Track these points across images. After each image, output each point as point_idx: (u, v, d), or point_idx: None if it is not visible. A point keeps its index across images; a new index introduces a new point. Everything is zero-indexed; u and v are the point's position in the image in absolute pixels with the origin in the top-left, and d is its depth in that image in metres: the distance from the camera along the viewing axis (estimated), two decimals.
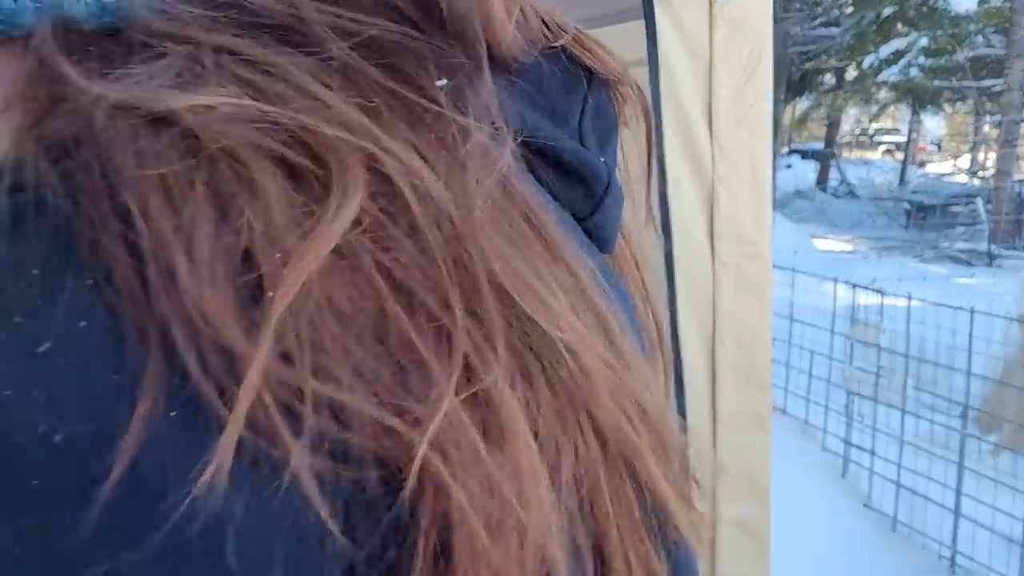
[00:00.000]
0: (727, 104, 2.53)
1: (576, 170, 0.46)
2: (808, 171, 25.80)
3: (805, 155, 28.42)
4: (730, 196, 2.54)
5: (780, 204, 20.47)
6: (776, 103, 20.16)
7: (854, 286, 4.61)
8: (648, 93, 2.57)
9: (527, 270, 0.33)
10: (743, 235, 2.56)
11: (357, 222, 0.30)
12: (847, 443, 4.74)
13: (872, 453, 4.55)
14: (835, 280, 4.69)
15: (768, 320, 2.62)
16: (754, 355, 2.60)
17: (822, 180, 23.89)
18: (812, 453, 4.88)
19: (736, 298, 2.56)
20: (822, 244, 15.15)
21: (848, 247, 15.45)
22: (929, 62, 17.34)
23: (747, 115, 2.54)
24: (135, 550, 0.24)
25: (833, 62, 20.94)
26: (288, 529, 0.26)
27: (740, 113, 2.53)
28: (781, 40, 20.15)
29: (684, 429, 0.51)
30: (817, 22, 20.67)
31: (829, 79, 23.51)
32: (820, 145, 26.89)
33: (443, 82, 0.35)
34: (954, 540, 4.01)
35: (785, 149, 27.35)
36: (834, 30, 20.23)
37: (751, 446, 2.69)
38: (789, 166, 25.65)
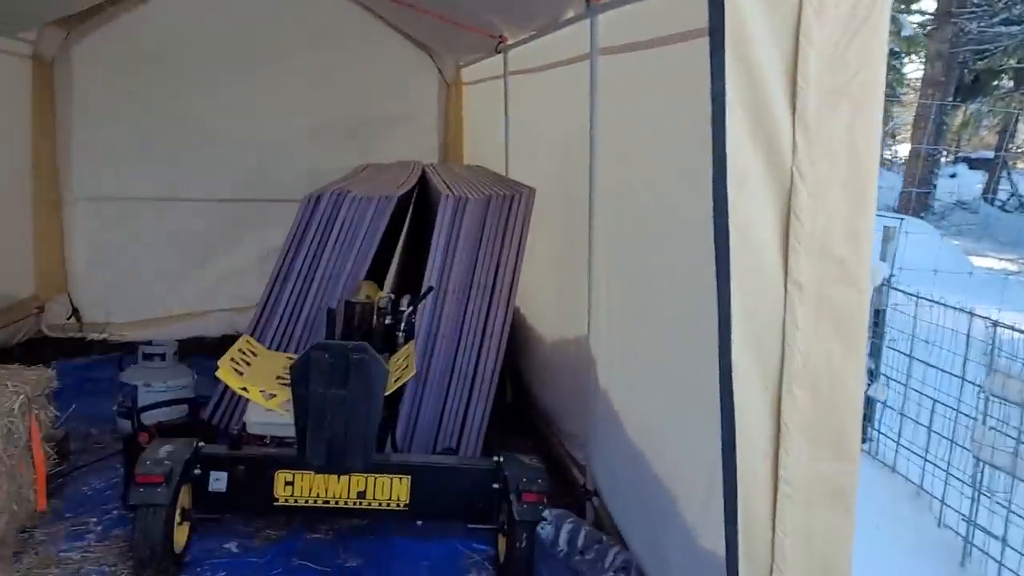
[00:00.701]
0: (820, 72, 1.86)
1: None
2: (975, 182, 23.69)
3: (973, 164, 26.19)
4: (816, 197, 1.89)
5: (937, 216, 18.77)
6: (943, 105, 18.56)
7: (994, 323, 3.53)
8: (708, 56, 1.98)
9: None
10: (831, 251, 1.90)
11: None
12: (971, 523, 3.77)
13: (1004, 542, 3.59)
14: (970, 313, 3.65)
15: (859, 365, 1.95)
16: (836, 410, 1.94)
17: (990, 191, 21.83)
18: (925, 529, 4.00)
19: (816, 333, 1.92)
20: (980, 262, 13.66)
21: (1011, 267, 13.85)
22: None
23: (849, 88, 1.88)
24: None
25: (1012, 62, 18.94)
26: None
27: (839, 84, 1.86)
28: (953, 37, 18.42)
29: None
30: (996, 19, 18.73)
31: (1006, 81, 21.37)
32: (990, 153, 24.64)
33: None
34: None
35: (951, 156, 25.16)
36: (1015, 28, 18.26)
37: (827, 530, 2.04)
38: (954, 175, 23.58)
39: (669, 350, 2.92)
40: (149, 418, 4.24)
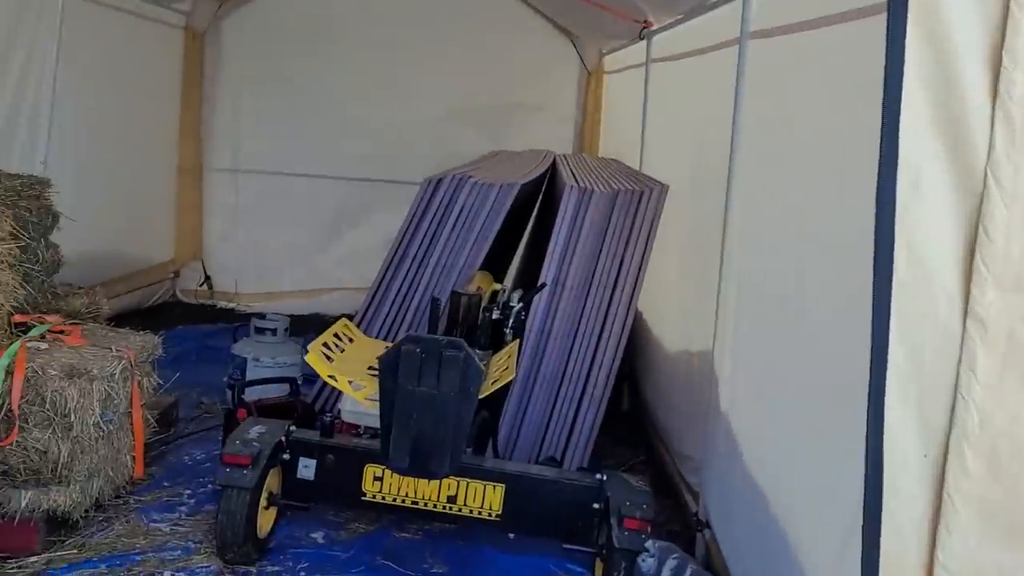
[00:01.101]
0: None
1: None
2: None
3: None
4: (1014, 209, 1.48)
5: None
6: None
7: None
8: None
9: None
10: None
11: None
12: None
13: None
14: None
15: None
16: (1019, 486, 1.52)
17: None
18: None
19: (1000, 385, 1.49)
20: None
21: None
22: None
23: None
24: None
25: None
26: None
27: None
28: None
29: None
30: None
31: None
32: None
33: None
34: None
35: None
36: None
37: None
38: None
39: (808, 380, 2.51)
40: (251, 394, 4.17)
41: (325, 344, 3.32)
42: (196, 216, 7.67)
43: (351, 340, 3.55)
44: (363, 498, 3.43)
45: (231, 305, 7.51)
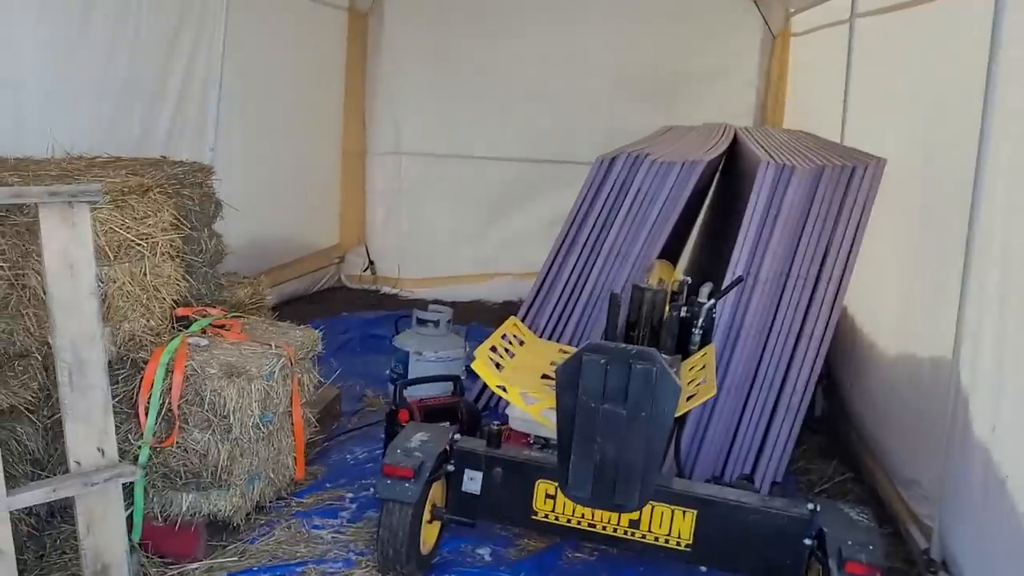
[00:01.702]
0: None
1: None
2: None
3: None
4: None
5: None
6: None
7: None
8: None
9: None
10: None
11: None
12: None
13: None
14: None
15: None
16: None
17: None
18: None
19: None
20: None
21: None
22: None
23: None
24: None
25: None
26: None
27: None
28: None
29: None
30: None
31: None
32: None
33: None
34: None
35: None
36: None
37: None
38: None
39: None
40: (413, 392, 3.91)
41: (493, 348, 2.97)
42: (360, 200, 7.60)
43: (521, 342, 3.19)
44: (533, 517, 3.07)
45: (394, 291, 7.40)
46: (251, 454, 3.21)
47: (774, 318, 4.03)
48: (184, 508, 3.12)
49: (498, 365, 2.92)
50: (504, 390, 2.78)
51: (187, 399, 3.08)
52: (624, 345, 2.42)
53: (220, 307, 3.76)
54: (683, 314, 3.28)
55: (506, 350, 3.03)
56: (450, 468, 3.11)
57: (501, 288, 7.41)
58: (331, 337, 5.84)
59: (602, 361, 2.37)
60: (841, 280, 3.91)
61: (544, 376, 2.91)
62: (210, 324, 3.45)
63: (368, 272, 7.49)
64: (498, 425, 3.14)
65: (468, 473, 3.11)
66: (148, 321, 3.20)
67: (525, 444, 3.35)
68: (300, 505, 3.60)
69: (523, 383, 2.81)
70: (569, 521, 3.03)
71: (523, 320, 4.68)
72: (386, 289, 7.42)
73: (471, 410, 3.83)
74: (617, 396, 2.37)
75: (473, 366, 2.84)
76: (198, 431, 3.10)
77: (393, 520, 2.98)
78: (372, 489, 3.69)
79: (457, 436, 3.16)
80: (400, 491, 2.94)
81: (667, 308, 3.17)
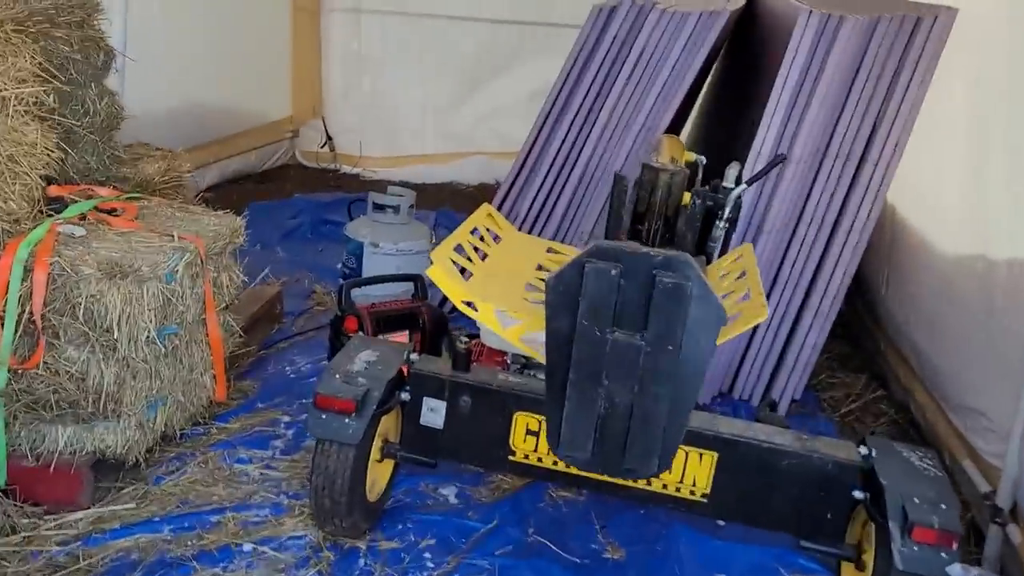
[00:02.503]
0: None
1: None
2: None
3: None
4: None
5: None
6: None
7: None
8: None
9: None
10: None
11: None
12: None
13: None
14: None
15: None
16: None
17: None
18: None
19: None
20: None
21: None
22: None
23: None
24: None
25: None
26: None
27: None
28: None
29: None
30: None
31: None
32: None
33: None
34: None
35: None
36: None
37: None
38: None
39: None
40: (365, 294, 3.18)
41: (458, 248, 2.22)
42: (315, 66, 6.63)
43: (496, 238, 2.44)
44: (511, 458, 2.42)
45: (355, 170, 6.56)
46: (148, 375, 2.51)
47: (804, 206, 3.32)
48: (60, 444, 2.43)
49: (464, 271, 2.18)
50: (472, 307, 2.05)
51: (55, 307, 2.34)
52: (644, 248, 1.67)
53: (115, 186, 2.98)
54: (706, 203, 2.54)
55: (476, 249, 2.29)
56: (405, 396, 2.42)
57: (475, 169, 6.61)
58: (279, 222, 5.09)
59: (613, 271, 1.63)
60: (892, 159, 3.18)
61: (529, 284, 2.19)
62: (94, 208, 2.67)
63: (326, 149, 6.63)
64: (466, 342, 2.44)
65: (428, 403, 2.43)
66: (3, 203, 2.41)
67: (500, 364, 2.67)
68: (222, 432, 2.93)
69: (498, 297, 2.08)
70: (556, 464, 2.38)
71: (499, 208, 3.93)
72: (346, 169, 6.58)
73: (436, 318, 3.12)
74: (633, 321, 1.65)
75: (430, 272, 2.09)
76: (72, 348, 2.38)
77: (330, 464, 2.32)
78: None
79: (414, 355, 2.46)
80: (338, 429, 2.26)
81: (695, 197, 2.42)
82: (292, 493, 2.67)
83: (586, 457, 1.76)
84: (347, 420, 2.27)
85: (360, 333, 2.94)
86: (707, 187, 2.58)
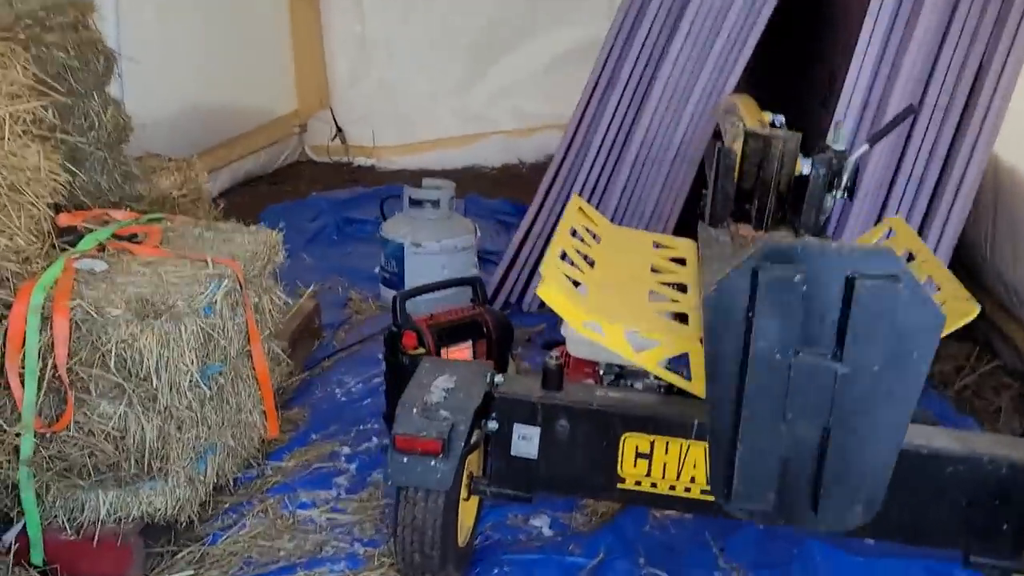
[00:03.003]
0: None
1: None
2: None
3: None
4: None
5: None
6: None
7: None
8: None
9: None
10: None
11: None
12: None
13: None
14: None
15: None
16: None
17: None
18: None
19: None
20: None
21: None
22: None
23: None
24: None
25: None
26: None
27: None
28: None
29: None
30: None
31: None
32: None
33: None
34: None
35: None
36: None
37: None
38: None
39: None
40: (418, 306, 2.84)
41: (563, 255, 1.85)
42: (317, 53, 6.25)
43: (595, 237, 2.09)
44: (620, 485, 2.09)
45: (370, 161, 6.20)
46: (195, 423, 2.18)
47: (899, 167, 2.97)
48: (103, 513, 2.11)
49: (576, 284, 1.83)
50: (598, 330, 1.69)
51: (81, 358, 2.01)
52: (832, 242, 1.32)
53: (130, 208, 2.64)
54: (805, 171, 2.18)
55: (583, 256, 1.93)
56: (493, 426, 2.09)
57: (496, 149, 6.26)
58: (299, 226, 4.75)
59: (796, 277, 1.28)
60: (1000, 108, 2.82)
61: (653, 295, 1.83)
62: (112, 236, 2.33)
63: (337, 141, 6.26)
64: (556, 357, 2.10)
65: (519, 430, 2.09)
66: (10, 240, 2.07)
67: (591, 376, 2.34)
68: (278, 474, 2.61)
69: (624, 313, 1.71)
70: (673, 489, 2.06)
71: (546, 195, 3.59)
72: (360, 160, 6.22)
73: (501, 324, 2.78)
74: (825, 338, 1.31)
75: (541, 292, 1.73)
76: (106, 403, 2.04)
77: (417, 514, 2.00)
78: (384, 424, 2.71)
79: (498, 377, 2.13)
80: (426, 474, 1.94)
81: (820, 166, 2.06)
82: (367, 540, 2.35)
83: (766, 509, 1.43)
84: (434, 463, 1.94)
85: (421, 349, 2.61)
86: (824, 153, 2.22)
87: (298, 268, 4.12)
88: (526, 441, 2.11)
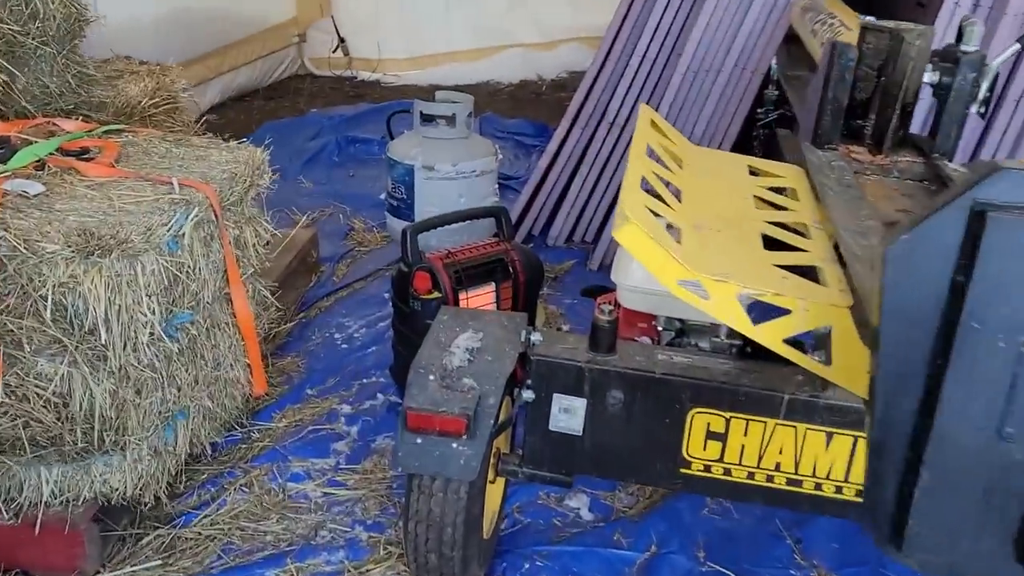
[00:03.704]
0: None
1: None
2: None
3: None
4: None
5: None
6: None
7: None
8: None
9: None
10: None
11: None
12: None
13: None
14: None
15: None
16: None
17: None
18: None
19: None
20: None
21: None
22: None
23: None
24: None
25: None
26: None
27: None
28: None
29: None
30: None
31: None
32: None
33: None
34: None
35: None
36: None
37: None
38: None
39: None
40: (430, 239, 2.40)
41: (646, 188, 1.37)
42: None
43: (678, 162, 1.61)
44: (683, 471, 1.69)
45: (374, 75, 5.67)
46: (159, 385, 1.77)
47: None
48: (45, 494, 1.72)
49: (668, 227, 1.36)
50: (705, 295, 1.20)
51: (9, 306, 1.58)
52: None
53: (86, 117, 2.18)
54: (937, 79, 1.71)
55: (663, 181, 1.46)
56: (528, 396, 1.68)
57: (512, 64, 5.73)
58: (297, 145, 4.28)
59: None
60: None
61: (765, 239, 1.37)
62: (56, 151, 1.87)
63: (338, 53, 5.72)
64: (609, 311, 1.67)
65: (560, 401, 1.68)
66: None
67: (646, 333, 1.91)
68: (267, 436, 2.21)
69: (731, 266, 1.24)
70: (752, 477, 1.65)
71: (577, 114, 3.11)
72: (364, 74, 5.70)
73: (529, 263, 2.34)
74: None
75: (621, 237, 1.24)
76: (44, 362, 1.62)
77: (434, 508, 1.60)
78: (392, 380, 2.30)
79: (535, 335, 1.70)
80: (446, 460, 1.53)
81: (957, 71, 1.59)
82: (371, 522, 1.96)
83: (955, 560, 1.01)
84: (456, 446, 1.54)
85: (436, 294, 2.18)
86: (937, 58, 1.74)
87: (294, 193, 3.69)
88: (568, 415, 1.70)
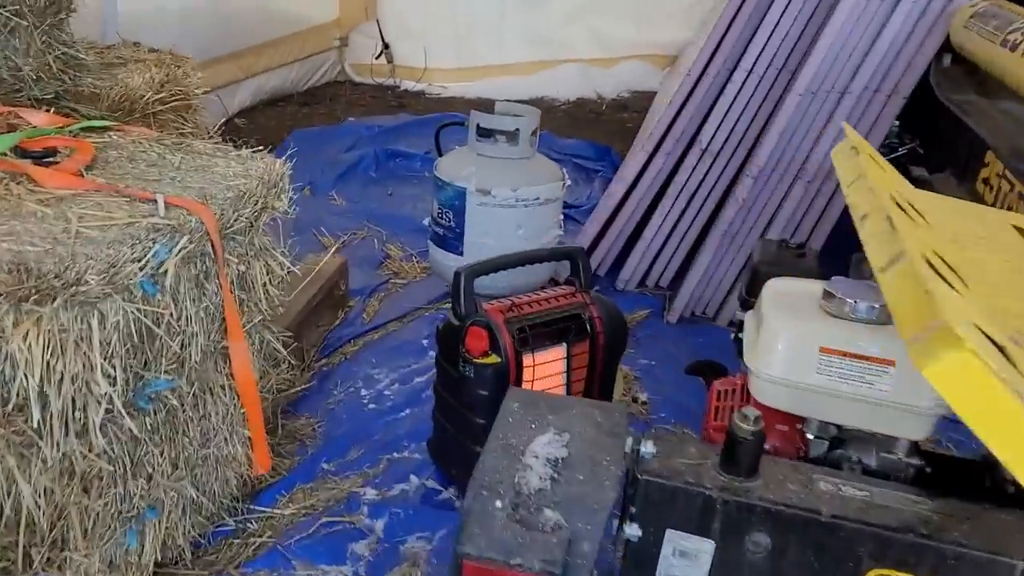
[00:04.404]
0: None
1: None
2: None
3: None
4: None
5: None
6: None
7: None
8: None
9: None
10: None
11: None
12: None
13: None
14: None
15: None
16: None
17: None
18: None
19: None
20: None
21: None
22: None
23: None
24: None
25: None
26: None
27: None
28: None
29: None
30: None
31: None
32: None
33: None
34: None
35: None
36: None
37: None
38: None
39: None
40: (488, 285, 1.90)
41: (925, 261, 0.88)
42: None
43: (913, 207, 1.12)
44: None
45: (419, 85, 5.24)
46: (121, 476, 1.29)
47: None
48: None
49: (953, 272, 0.86)
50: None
51: None
52: None
53: (71, 110, 1.72)
54: None
55: (913, 208, 0.97)
56: (633, 533, 1.17)
57: (569, 79, 5.29)
58: (331, 156, 3.83)
59: None
60: None
61: None
62: (12, 149, 1.41)
63: (382, 60, 5.29)
64: (756, 417, 1.16)
65: (675, 539, 1.18)
66: None
67: (788, 438, 1.40)
68: (266, 527, 1.72)
69: None
70: None
71: (660, 142, 2.62)
72: (408, 84, 5.26)
73: (611, 319, 1.84)
74: None
75: (949, 373, 0.70)
76: None
77: None
78: (432, 461, 1.79)
79: (646, 446, 1.20)
80: None
81: None
82: None
83: None
84: None
85: (494, 357, 1.68)
86: None
87: (323, 211, 3.23)
88: (687, 561, 1.20)
